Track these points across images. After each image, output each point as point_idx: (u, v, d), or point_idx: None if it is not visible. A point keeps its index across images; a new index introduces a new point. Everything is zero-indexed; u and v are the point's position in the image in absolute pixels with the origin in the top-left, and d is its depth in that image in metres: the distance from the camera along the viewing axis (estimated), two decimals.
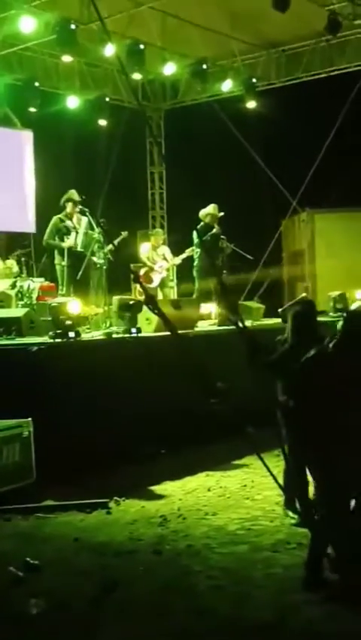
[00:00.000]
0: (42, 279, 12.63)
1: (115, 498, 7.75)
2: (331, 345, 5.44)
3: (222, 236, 12.58)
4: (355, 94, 15.52)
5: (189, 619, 4.96)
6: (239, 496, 7.84)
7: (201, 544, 6.39)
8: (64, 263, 11.84)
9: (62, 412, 8.46)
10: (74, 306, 10.02)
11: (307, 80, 16.33)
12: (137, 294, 13.24)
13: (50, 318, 10.07)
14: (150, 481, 8.43)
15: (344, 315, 6.30)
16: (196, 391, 9.60)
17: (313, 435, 5.40)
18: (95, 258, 12.08)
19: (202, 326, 12.03)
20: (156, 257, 13.83)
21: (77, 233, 11.90)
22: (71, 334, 9.43)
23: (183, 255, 13.54)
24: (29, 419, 8.15)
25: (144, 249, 13.83)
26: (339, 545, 5.37)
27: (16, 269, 13.22)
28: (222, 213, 12.76)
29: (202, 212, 12.63)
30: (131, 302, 10.87)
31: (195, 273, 12.76)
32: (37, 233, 14.54)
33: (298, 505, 6.81)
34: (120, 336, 10.23)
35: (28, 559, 5.95)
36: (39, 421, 8.19)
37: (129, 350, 9.78)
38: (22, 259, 13.47)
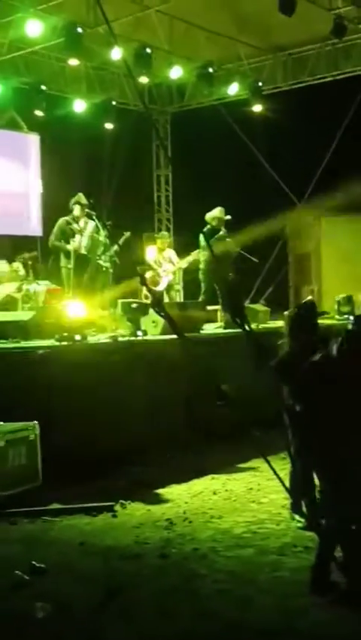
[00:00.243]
0: (48, 282, 12.63)
1: (121, 501, 7.74)
2: (335, 347, 5.42)
3: (227, 239, 12.56)
4: None
5: (194, 623, 4.96)
6: (245, 500, 7.83)
7: (207, 547, 6.38)
8: (70, 266, 11.86)
9: (68, 415, 8.47)
10: (78, 308, 10.03)
11: (313, 83, 16.32)
12: (143, 296, 13.24)
13: (55, 321, 10.07)
14: (155, 484, 8.42)
15: (351, 317, 6.31)
16: (202, 394, 9.66)
17: (319, 438, 5.39)
18: (100, 261, 12.10)
19: (208, 329, 12.02)
20: (162, 260, 13.83)
21: (82, 236, 11.92)
22: (77, 337, 9.43)
23: (189, 258, 13.53)
24: (35, 422, 8.16)
25: (151, 253, 13.82)
26: (347, 549, 5.35)
27: (22, 272, 13.22)
28: (228, 216, 12.75)
29: (209, 216, 12.62)
30: (134, 305, 10.87)
31: (201, 276, 12.75)
32: (44, 236, 14.56)
33: (304, 509, 6.80)
34: (126, 339, 10.23)
35: (34, 562, 5.95)
36: (45, 424, 8.20)
37: (135, 353, 9.78)
38: (29, 262, 13.48)
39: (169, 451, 9.47)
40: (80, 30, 13.06)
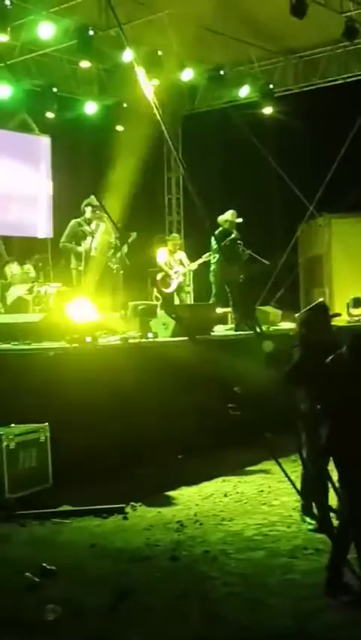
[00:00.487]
0: (59, 284, 12.66)
1: (131, 503, 7.74)
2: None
3: (239, 242, 12.56)
4: None
5: (205, 626, 4.95)
6: (256, 502, 7.82)
7: (218, 550, 6.37)
8: (80, 267, 11.88)
9: (78, 417, 8.47)
10: (89, 309, 10.05)
11: (324, 86, 16.31)
12: (154, 298, 13.26)
13: (66, 323, 10.09)
14: (166, 486, 8.43)
15: None
16: (213, 396, 9.65)
17: (335, 438, 5.39)
18: (111, 263, 12.11)
19: (219, 331, 12.01)
20: (173, 262, 13.83)
21: (93, 238, 11.95)
22: (88, 339, 9.44)
23: (200, 261, 13.54)
24: (46, 424, 8.18)
25: (162, 255, 13.83)
26: None
27: (33, 274, 13.27)
28: (240, 219, 12.74)
29: (221, 218, 12.62)
30: (141, 307, 10.88)
31: (212, 278, 12.75)
32: (55, 238, 14.58)
33: (315, 511, 6.78)
34: (137, 341, 10.23)
35: (44, 564, 5.95)
36: (56, 426, 8.21)
37: (146, 355, 9.78)
38: (40, 264, 13.52)
39: (180, 453, 9.47)
40: (91, 32, 13.08)
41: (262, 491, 8.18)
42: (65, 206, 14.22)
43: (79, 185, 14.72)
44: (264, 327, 10.98)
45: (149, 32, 13.77)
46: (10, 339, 10.31)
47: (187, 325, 10.58)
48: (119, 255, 12.11)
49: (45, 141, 15.97)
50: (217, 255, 12.44)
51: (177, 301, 13.72)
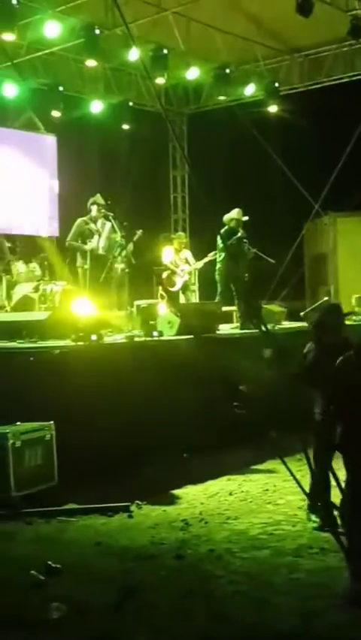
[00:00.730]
0: (65, 283, 12.67)
1: (137, 502, 7.75)
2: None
3: (244, 240, 12.56)
4: None
5: (211, 625, 4.95)
6: (261, 501, 7.82)
7: (223, 548, 6.37)
8: (86, 266, 11.89)
9: (83, 416, 8.48)
10: (94, 308, 10.06)
11: (330, 84, 16.31)
12: (159, 297, 13.26)
13: (72, 322, 10.10)
14: (171, 485, 8.43)
15: None
16: (219, 395, 9.66)
17: (349, 438, 5.42)
18: (117, 262, 12.12)
19: (224, 329, 12.02)
20: (179, 260, 13.84)
21: (99, 236, 11.96)
22: (93, 337, 9.45)
23: (206, 259, 13.54)
24: (51, 422, 8.19)
25: (167, 253, 13.83)
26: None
27: (39, 272, 13.29)
28: (246, 217, 12.74)
29: (227, 217, 12.62)
30: (143, 305, 10.90)
31: (217, 277, 12.75)
32: (61, 237, 14.60)
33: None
34: (142, 339, 10.25)
35: (49, 562, 5.96)
36: (61, 424, 8.22)
37: (151, 353, 9.79)
38: (45, 263, 13.54)
39: (185, 451, 9.48)
40: (97, 31, 13.10)
41: (267, 490, 8.18)
42: (71, 205, 14.24)
43: (85, 183, 14.74)
44: (269, 326, 10.97)
45: (155, 31, 13.79)
46: (15, 337, 10.33)
47: (192, 324, 10.58)
48: (124, 253, 12.11)
49: (51, 140, 16.00)
50: (223, 254, 12.44)
51: (182, 300, 13.73)
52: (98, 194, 12.25)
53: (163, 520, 7.26)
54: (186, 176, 18.96)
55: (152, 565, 6.08)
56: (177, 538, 6.73)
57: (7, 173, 15.19)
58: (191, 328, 10.52)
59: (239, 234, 12.49)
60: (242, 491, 8.20)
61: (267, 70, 16.44)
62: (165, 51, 14.10)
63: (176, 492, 8.24)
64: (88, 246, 11.85)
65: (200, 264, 13.77)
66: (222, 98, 16.27)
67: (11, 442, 7.74)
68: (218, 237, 11.93)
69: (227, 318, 12.86)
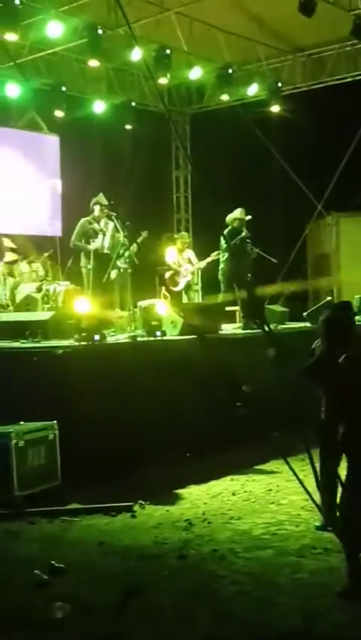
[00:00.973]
0: (68, 283, 12.69)
1: (140, 502, 7.75)
2: None
3: (247, 240, 12.56)
4: None
5: (214, 625, 4.95)
6: (264, 501, 7.82)
7: (226, 548, 6.37)
8: (89, 266, 11.90)
9: (87, 415, 8.49)
10: (97, 308, 10.07)
11: (333, 84, 16.30)
12: (162, 297, 13.27)
13: (75, 321, 10.11)
14: (174, 484, 8.43)
15: None
16: (222, 395, 9.65)
17: (351, 436, 5.43)
18: (119, 262, 12.13)
19: (227, 329, 12.02)
20: (182, 260, 13.85)
21: (104, 235, 11.97)
22: (96, 337, 9.46)
23: (208, 259, 13.55)
24: (55, 422, 8.19)
25: (171, 253, 13.84)
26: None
27: (42, 272, 13.31)
28: (249, 217, 12.75)
29: (230, 217, 12.62)
30: (145, 306, 10.90)
31: (220, 277, 12.75)
32: (64, 237, 14.61)
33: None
34: (145, 339, 10.25)
35: (53, 562, 5.96)
36: (64, 423, 8.23)
37: (154, 353, 9.80)
38: (49, 263, 13.56)
39: (188, 451, 9.48)
40: (100, 31, 13.10)
41: (270, 490, 8.18)
42: (74, 205, 14.24)
43: (87, 183, 14.75)
44: (272, 326, 10.95)
45: (157, 31, 13.80)
46: (19, 337, 10.34)
47: (195, 324, 10.58)
48: (128, 253, 12.12)
49: (54, 140, 16.00)
50: (226, 254, 12.44)
51: (185, 300, 13.74)
52: (101, 194, 12.26)
53: (166, 520, 7.26)
54: (188, 176, 18.96)
55: (155, 565, 6.09)
56: (180, 538, 6.73)
57: (10, 173, 15.20)
58: (194, 328, 10.52)
59: (243, 234, 12.50)
60: (245, 491, 8.20)
61: (270, 70, 16.44)
62: (168, 51, 14.09)
63: (179, 492, 8.25)
64: (92, 246, 11.85)
65: (203, 263, 13.77)
66: (225, 97, 16.26)
67: (14, 441, 7.75)
68: (221, 237, 11.94)
69: (230, 318, 12.87)
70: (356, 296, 13.93)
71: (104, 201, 12.10)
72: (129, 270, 12.24)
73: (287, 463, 7.22)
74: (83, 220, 12.09)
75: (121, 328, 11.21)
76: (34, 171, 15.72)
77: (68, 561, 6.08)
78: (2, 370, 8.93)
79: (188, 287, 13.92)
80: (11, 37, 12.05)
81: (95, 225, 12.01)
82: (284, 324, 13.04)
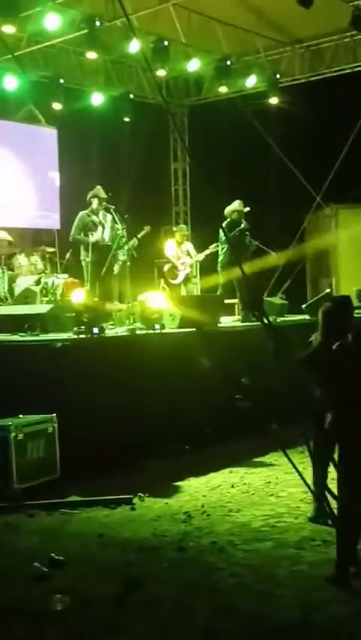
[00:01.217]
0: (66, 276, 12.68)
1: (139, 494, 7.76)
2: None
3: (246, 233, 12.55)
4: None
5: (213, 617, 4.96)
6: (263, 493, 7.82)
7: (225, 541, 6.38)
8: (88, 259, 11.89)
9: (86, 408, 8.49)
10: (97, 300, 10.08)
11: (332, 75, 16.27)
12: (161, 289, 13.26)
13: (73, 314, 10.12)
14: (173, 477, 8.44)
15: None
16: (220, 387, 9.67)
17: (340, 425, 5.44)
18: (119, 254, 12.12)
19: (226, 322, 12.02)
20: (181, 253, 13.84)
21: (103, 228, 11.96)
22: (95, 330, 9.46)
23: (207, 252, 13.54)
24: (54, 415, 8.20)
25: (170, 246, 13.82)
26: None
27: (40, 265, 13.30)
28: (247, 208, 12.73)
29: (228, 210, 12.59)
30: (144, 299, 10.90)
31: (219, 269, 12.74)
32: (62, 229, 14.59)
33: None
34: (144, 332, 10.25)
35: (52, 554, 5.97)
36: (63, 416, 8.23)
37: (153, 346, 9.80)
38: (47, 256, 13.54)
39: (188, 444, 9.49)
40: (98, 23, 13.07)
41: (269, 482, 8.18)
42: (72, 197, 14.22)
43: (86, 176, 14.72)
44: (271, 318, 10.96)
45: (155, 23, 13.76)
46: (17, 330, 10.34)
47: (194, 316, 10.59)
48: (127, 247, 12.11)
49: (52, 132, 15.96)
50: (225, 246, 12.43)
51: (183, 292, 13.73)
52: (99, 187, 12.23)
53: (165, 513, 7.27)
54: (187, 168, 18.93)
55: (154, 557, 6.10)
56: (179, 530, 6.74)
57: (8, 166, 15.17)
58: (193, 321, 10.52)
59: (242, 226, 12.48)
60: (244, 483, 8.21)
61: (268, 61, 16.41)
62: (166, 43, 14.07)
63: (178, 484, 8.25)
64: (92, 238, 11.84)
65: (201, 256, 13.76)
66: (223, 89, 16.23)
67: (13, 434, 7.76)
68: (220, 230, 11.93)
69: (229, 311, 12.87)
70: (354, 288, 13.93)
71: (102, 194, 12.08)
72: (128, 263, 12.23)
73: (286, 455, 7.25)
74: (81, 213, 12.07)
75: (120, 321, 11.21)
76: (32, 164, 15.68)
77: (67, 553, 6.09)
78: (1, 363, 8.93)
79: (187, 279, 13.91)
80: (9, 29, 12.02)
81: (94, 218, 11.99)
82: (283, 316, 13.05)
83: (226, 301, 12.54)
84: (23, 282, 12.50)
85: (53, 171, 15.89)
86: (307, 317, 12.42)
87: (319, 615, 4.90)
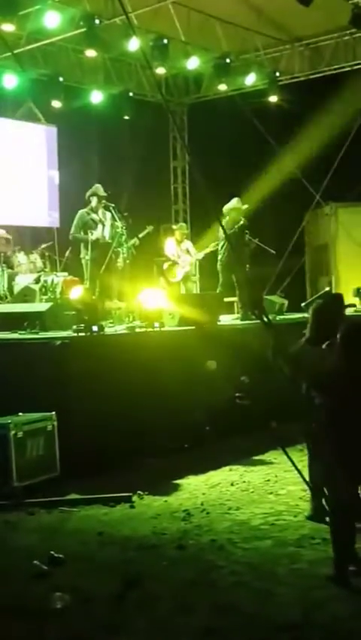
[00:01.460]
0: (66, 274, 12.67)
1: (138, 492, 7.76)
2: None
3: (246, 231, 12.55)
4: None
5: (213, 615, 4.96)
6: (263, 491, 7.83)
7: (225, 539, 6.38)
8: (87, 257, 11.88)
9: (85, 406, 8.50)
10: (78, 291, 10.11)
11: (331, 73, 16.26)
12: (161, 287, 13.25)
13: (73, 313, 10.12)
14: (173, 475, 8.45)
15: None
16: (220, 385, 9.68)
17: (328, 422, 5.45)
18: (119, 253, 12.12)
19: (225, 320, 12.02)
20: (180, 251, 13.84)
21: (103, 225, 11.96)
22: (94, 328, 9.45)
23: (207, 250, 13.54)
24: (53, 413, 8.20)
25: (169, 245, 13.82)
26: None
27: (40, 263, 13.29)
28: (246, 206, 12.73)
29: (226, 208, 12.58)
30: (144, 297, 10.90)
31: (219, 267, 12.73)
32: (62, 227, 14.58)
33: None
34: (143, 330, 10.25)
35: (52, 552, 5.98)
36: (63, 414, 8.24)
37: (152, 344, 9.80)
38: (46, 254, 13.53)
39: (187, 441, 9.49)
40: (97, 21, 13.06)
41: (268, 480, 8.19)
42: (72, 196, 14.22)
43: (85, 174, 14.70)
44: (270, 317, 10.97)
45: (155, 21, 13.75)
46: (16, 328, 10.34)
47: (193, 315, 10.59)
48: (126, 245, 12.11)
49: (51, 130, 15.95)
50: (224, 244, 12.42)
51: (183, 290, 13.73)
52: (98, 185, 12.22)
53: (165, 511, 7.28)
54: (186, 166, 18.92)
55: (154, 555, 6.10)
56: (178, 528, 6.74)
57: (7, 164, 15.16)
58: (192, 319, 10.53)
59: (241, 222, 12.48)
60: (244, 481, 8.21)
61: (267, 59, 16.39)
62: (166, 41, 14.06)
63: (178, 482, 8.26)
64: (93, 236, 11.84)
65: (201, 254, 13.76)
66: (222, 87, 16.23)
67: (13, 432, 7.76)
68: (220, 228, 11.92)
69: (229, 309, 12.87)
70: (353, 286, 13.94)
71: (101, 192, 12.07)
72: (128, 261, 12.22)
73: (286, 453, 7.27)
74: (81, 211, 12.06)
75: (119, 319, 11.21)
76: (32, 162, 15.67)
77: (67, 551, 6.09)
78: (1, 361, 8.93)
79: (186, 278, 13.91)
80: (8, 27, 12.02)
81: (94, 216, 12.00)
82: (283, 314, 13.05)
83: (226, 299, 12.54)
84: (23, 280, 12.50)
85: (52, 169, 15.89)
86: (306, 315, 12.36)
87: (319, 614, 4.90)
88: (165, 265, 13.67)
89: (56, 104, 15.01)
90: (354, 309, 13.13)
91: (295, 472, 7.23)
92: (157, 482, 8.12)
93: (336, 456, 5.32)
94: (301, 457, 7.38)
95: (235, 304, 13.08)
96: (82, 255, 12.07)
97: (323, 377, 5.51)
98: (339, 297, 7.35)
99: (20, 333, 10.12)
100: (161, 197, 18.39)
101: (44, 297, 11.80)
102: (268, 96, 16.20)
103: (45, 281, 12.08)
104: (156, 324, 10.27)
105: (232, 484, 8.12)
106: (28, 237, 14.96)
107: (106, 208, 12.10)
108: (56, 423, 8.20)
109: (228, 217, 12.45)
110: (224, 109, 16.85)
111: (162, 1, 13.44)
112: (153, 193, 17.38)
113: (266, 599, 5.16)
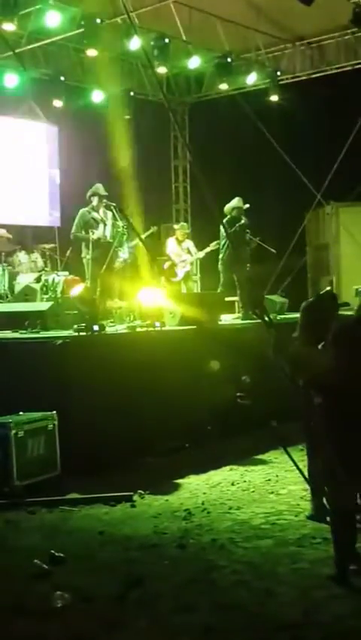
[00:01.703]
0: (67, 273, 12.67)
1: (139, 491, 7.77)
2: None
3: (247, 230, 12.55)
4: None
5: (213, 615, 4.96)
6: (263, 491, 7.83)
7: (226, 538, 6.39)
8: (88, 256, 11.89)
9: (86, 406, 8.50)
10: (77, 290, 10.11)
11: (333, 72, 16.25)
12: (161, 287, 13.25)
13: (74, 312, 10.12)
14: (174, 474, 8.45)
15: None
16: (221, 385, 9.68)
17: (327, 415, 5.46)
18: (120, 252, 12.12)
19: (226, 320, 12.02)
20: (181, 251, 13.84)
21: (104, 225, 11.96)
22: (95, 328, 9.45)
23: (207, 249, 13.54)
24: (54, 412, 8.20)
25: (171, 244, 13.82)
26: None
27: (41, 263, 13.30)
28: (247, 205, 12.73)
29: (227, 207, 12.58)
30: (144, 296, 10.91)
31: (220, 267, 12.74)
32: (62, 227, 14.58)
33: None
34: (144, 329, 10.25)
35: (53, 551, 5.98)
36: (64, 414, 8.24)
37: (153, 344, 9.80)
38: (47, 253, 13.54)
39: (188, 441, 9.49)
40: (98, 21, 13.05)
41: (269, 480, 8.19)
42: (73, 195, 14.21)
43: (86, 173, 14.69)
44: (271, 316, 10.97)
45: (156, 20, 13.75)
46: (17, 327, 10.34)
47: (194, 314, 10.59)
48: (128, 244, 12.10)
49: (52, 129, 15.95)
50: (226, 243, 12.42)
51: (184, 290, 13.73)
52: (99, 185, 12.22)
53: (166, 510, 7.28)
54: (187, 165, 18.91)
55: (155, 554, 6.10)
56: (179, 527, 6.74)
57: (9, 163, 15.16)
58: (193, 318, 10.53)
59: (242, 221, 12.48)
60: (244, 481, 8.21)
61: (269, 58, 16.38)
62: (167, 40, 14.05)
63: (178, 482, 8.26)
64: (95, 235, 11.84)
65: (202, 253, 13.77)
66: (223, 87, 16.21)
67: (14, 432, 7.77)
68: (221, 227, 11.92)
69: (229, 308, 12.86)
70: (354, 287, 13.92)
71: (102, 191, 12.08)
72: (128, 261, 12.22)
73: (287, 452, 7.27)
74: (82, 210, 12.07)
75: (120, 318, 11.21)
76: (33, 161, 15.66)
77: (67, 550, 6.09)
78: (1, 361, 8.93)
79: (187, 277, 13.91)
80: (9, 26, 12.01)
81: (95, 215, 12.00)
82: (284, 314, 13.04)
83: (227, 299, 12.54)
84: (24, 280, 12.50)
85: (53, 169, 15.88)
86: None
87: (319, 613, 4.90)
88: (166, 264, 13.67)
89: (58, 103, 15.01)
90: (348, 307, 13.10)
91: (296, 471, 7.23)
92: (158, 481, 8.12)
93: (336, 455, 5.31)
94: (302, 457, 7.37)
95: (236, 303, 13.08)
96: (83, 255, 12.07)
97: (319, 377, 5.49)
98: (331, 296, 7.32)
99: (21, 333, 10.12)
100: (162, 197, 18.37)
101: (45, 297, 11.79)
102: (269, 95, 16.19)
103: (46, 280, 12.07)
104: (157, 324, 10.27)
105: (232, 484, 8.13)
106: (29, 236, 14.95)
107: (107, 207, 12.10)
108: (56, 422, 8.20)
109: (229, 216, 12.45)
110: (225, 108, 16.84)
111: (164, 0, 13.43)
112: (154, 192, 17.36)
113: (267, 598, 5.16)
